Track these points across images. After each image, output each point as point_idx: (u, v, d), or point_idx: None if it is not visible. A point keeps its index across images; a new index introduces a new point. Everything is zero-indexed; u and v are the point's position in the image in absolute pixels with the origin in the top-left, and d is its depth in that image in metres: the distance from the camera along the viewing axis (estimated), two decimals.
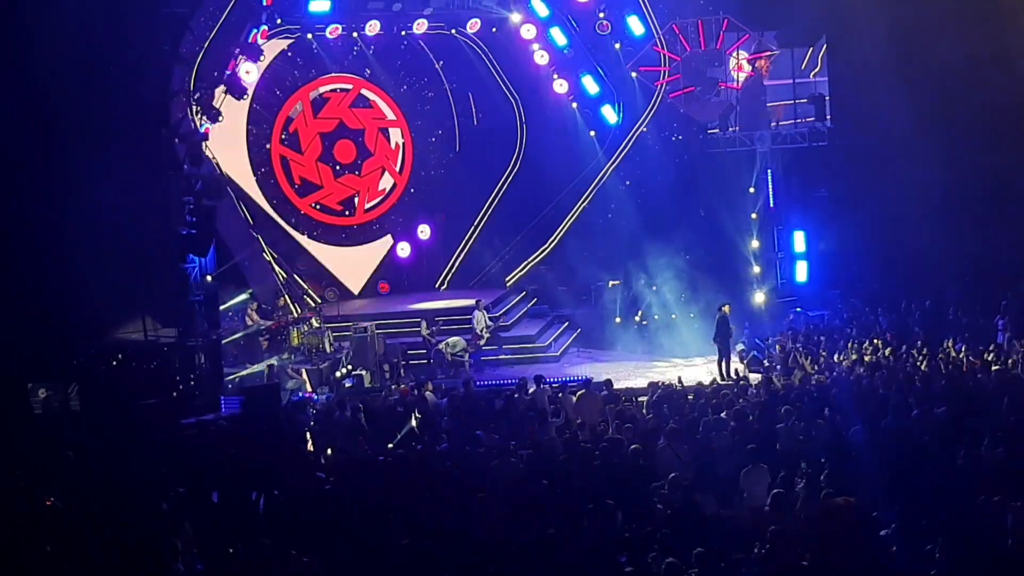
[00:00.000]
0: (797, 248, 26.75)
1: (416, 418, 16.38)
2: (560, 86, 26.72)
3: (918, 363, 18.40)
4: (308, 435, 16.22)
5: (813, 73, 26.83)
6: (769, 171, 26.58)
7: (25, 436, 14.54)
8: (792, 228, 26.75)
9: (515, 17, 26.21)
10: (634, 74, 26.58)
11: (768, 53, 26.02)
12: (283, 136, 26.94)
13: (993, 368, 17.38)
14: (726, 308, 21.36)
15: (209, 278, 19.27)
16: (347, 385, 21.23)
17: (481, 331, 23.21)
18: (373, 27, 25.99)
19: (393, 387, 19.99)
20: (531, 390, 17.77)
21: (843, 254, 26.85)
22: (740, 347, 21.82)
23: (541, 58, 26.44)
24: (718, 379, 19.77)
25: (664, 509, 11.01)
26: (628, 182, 27.18)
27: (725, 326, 21.09)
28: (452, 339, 22.57)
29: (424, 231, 28.23)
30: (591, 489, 11.28)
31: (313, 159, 27.31)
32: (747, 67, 25.87)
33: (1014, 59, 24.40)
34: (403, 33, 26.52)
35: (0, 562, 9.70)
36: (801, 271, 26.73)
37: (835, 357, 20.15)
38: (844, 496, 10.03)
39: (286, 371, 21.08)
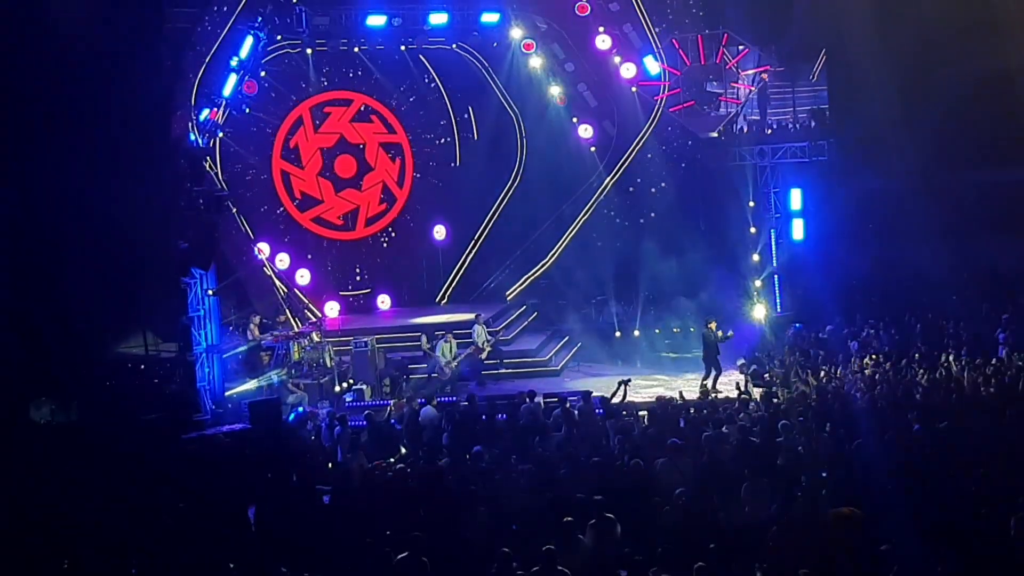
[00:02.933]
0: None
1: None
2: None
3: (919, 377, 18.37)
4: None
5: (812, 86, 26.92)
6: (770, 185, 26.63)
7: (26, 451, 14.50)
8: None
9: (515, 32, 26.31)
10: (634, 89, 26.67)
11: (768, 68, 26.11)
12: (284, 150, 27.02)
13: (994, 381, 17.35)
14: (712, 324, 21.21)
15: (210, 292, 19.30)
16: (347, 400, 21.23)
17: (482, 345, 23.18)
18: (373, 42, 26.11)
19: (393, 401, 19.95)
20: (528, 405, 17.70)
21: (842, 266, 26.81)
22: (741, 361, 21.78)
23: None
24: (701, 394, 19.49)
25: (665, 524, 10.98)
26: (631, 189, 27.24)
27: (711, 342, 20.95)
28: (443, 346, 22.38)
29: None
30: (591, 504, 11.25)
31: (314, 173, 27.34)
32: (749, 81, 25.94)
33: (1014, 72, 24.49)
34: (403, 48, 26.61)
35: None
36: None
37: (836, 371, 20.11)
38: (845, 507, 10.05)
39: (286, 386, 21.06)
